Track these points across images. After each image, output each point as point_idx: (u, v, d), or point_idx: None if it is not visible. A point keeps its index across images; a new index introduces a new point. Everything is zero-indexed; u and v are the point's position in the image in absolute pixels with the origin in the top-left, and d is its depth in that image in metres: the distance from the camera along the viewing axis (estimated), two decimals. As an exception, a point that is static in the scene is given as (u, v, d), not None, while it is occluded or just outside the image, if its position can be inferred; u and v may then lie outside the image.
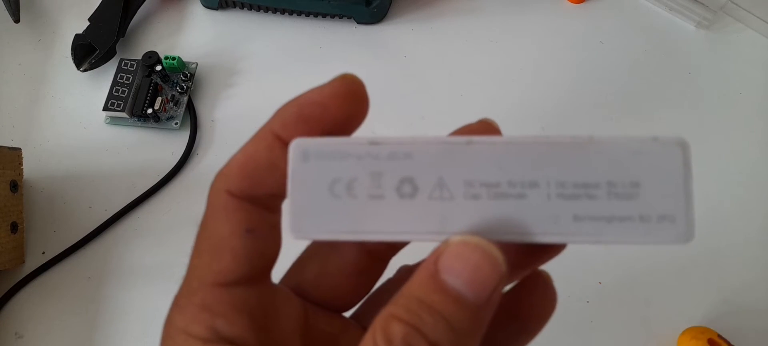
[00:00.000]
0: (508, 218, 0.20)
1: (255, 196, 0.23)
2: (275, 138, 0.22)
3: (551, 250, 0.24)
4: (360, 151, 0.21)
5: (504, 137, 0.20)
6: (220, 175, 0.23)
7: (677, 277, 0.48)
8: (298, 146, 0.21)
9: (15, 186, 0.49)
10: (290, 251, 0.27)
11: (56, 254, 0.50)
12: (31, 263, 0.50)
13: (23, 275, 0.49)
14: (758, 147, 0.52)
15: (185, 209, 0.51)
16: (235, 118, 0.55)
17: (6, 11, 0.57)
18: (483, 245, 0.19)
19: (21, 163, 0.50)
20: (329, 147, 0.21)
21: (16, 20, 0.56)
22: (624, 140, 0.20)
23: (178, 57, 0.55)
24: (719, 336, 0.44)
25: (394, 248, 0.27)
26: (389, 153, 0.21)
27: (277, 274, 0.28)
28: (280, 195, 0.22)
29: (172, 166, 0.53)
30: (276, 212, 0.24)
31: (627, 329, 0.47)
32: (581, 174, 0.20)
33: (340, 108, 0.22)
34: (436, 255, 0.20)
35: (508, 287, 0.26)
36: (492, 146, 0.20)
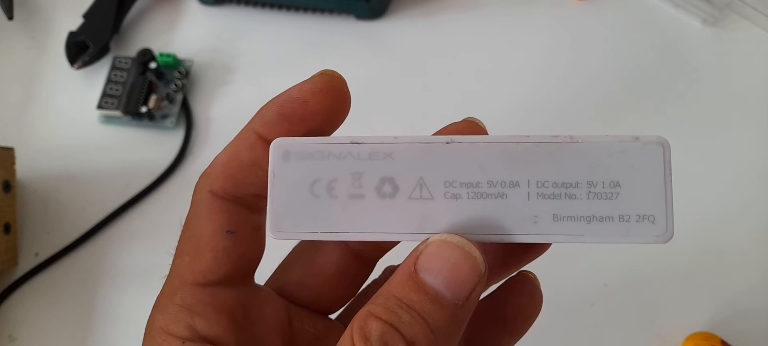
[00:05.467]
0: (488, 217, 0.20)
1: (238, 196, 0.23)
2: (257, 137, 0.22)
3: (534, 250, 0.24)
4: (341, 150, 0.21)
5: (484, 137, 0.21)
6: (204, 175, 0.23)
7: (683, 279, 0.47)
8: (278, 146, 0.21)
9: (8, 186, 0.48)
10: (277, 252, 0.27)
11: (50, 255, 0.49)
12: (25, 265, 0.49)
13: (16, 277, 0.49)
14: (765, 146, 0.52)
15: (180, 209, 0.50)
16: (231, 116, 0.55)
17: (-1, 8, 0.57)
18: (462, 245, 0.19)
19: (14, 163, 0.50)
20: (310, 147, 0.21)
21: (10, 17, 0.56)
22: (605, 140, 0.20)
23: (173, 54, 0.55)
24: (723, 342, 0.43)
25: (380, 249, 0.27)
26: (370, 153, 0.21)
27: (265, 275, 0.28)
28: (263, 195, 0.22)
29: (167, 165, 0.52)
30: (259, 212, 0.24)
31: (632, 333, 0.46)
32: (562, 174, 0.20)
33: (321, 104, 0.22)
34: (415, 255, 0.20)
35: (493, 288, 0.26)
36: (472, 146, 0.20)
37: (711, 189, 0.50)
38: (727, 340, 0.44)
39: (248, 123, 0.23)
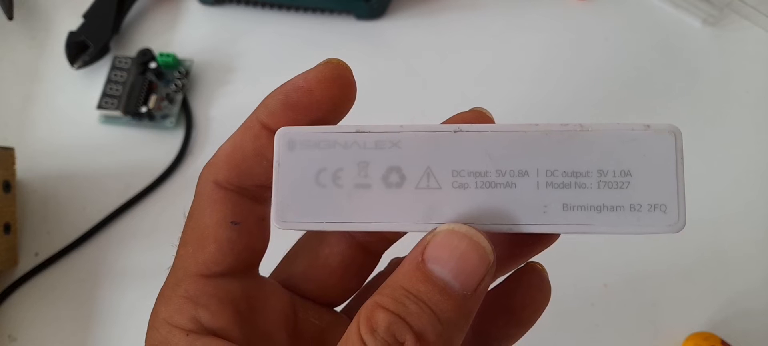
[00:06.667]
0: (497, 207, 0.20)
1: (242, 186, 0.23)
2: (262, 127, 0.22)
3: (543, 240, 0.24)
4: (347, 139, 0.21)
5: (492, 126, 0.20)
6: (208, 165, 0.23)
7: (683, 279, 0.47)
8: (283, 135, 0.21)
9: (8, 186, 0.48)
10: (282, 244, 0.27)
11: (50, 255, 0.49)
12: (25, 265, 0.49)
13: (16, 277, 0.48)
14: (765, 146, 0.51)
15: (180, 209, 0.50)
16: (231, 116, 0.54)
17: (-1, 8, 0.57)
18: (471, 234, 0.19)
19: (14, 163, 0.50)
20: (315, 135, 0.21)
21: (10, 17, 0.56)
22: (616, 128, 0.20)
23: (173, 54, 0.55)
24: (723, 342, 0.43)
25: (386, 240, 0.27)
26: (376, 142, 0.20)
27: (270, 267, 0.28)
28: (267, 185, 0.22)
29: (167, 165, 0.52)
30: (264, 203, 0.24)
31: (632, 333, 0.46)
32: (571, 163, 0.20)
33: (326, 92, 0.22)
34: (423, 245, 0.19)
35: (501, 279, 0.25)
36: (480, 135, 0.20)
37: (711, 189, 0.50)
38: (727, 340, 0.43)
39: (253, 113, 0.22)
